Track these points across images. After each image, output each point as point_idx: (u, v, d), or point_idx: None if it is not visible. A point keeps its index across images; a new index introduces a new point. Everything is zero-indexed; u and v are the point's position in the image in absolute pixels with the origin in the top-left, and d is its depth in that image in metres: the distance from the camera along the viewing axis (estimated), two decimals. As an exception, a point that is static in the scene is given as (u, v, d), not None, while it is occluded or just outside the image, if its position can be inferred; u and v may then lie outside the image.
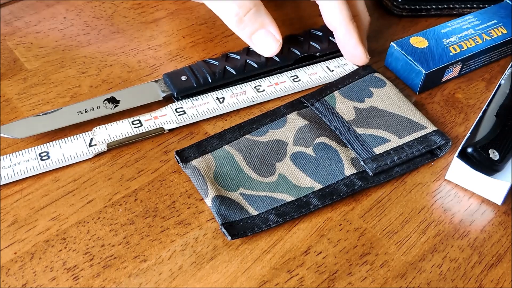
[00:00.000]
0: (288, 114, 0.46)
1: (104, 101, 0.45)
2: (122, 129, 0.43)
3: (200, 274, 0.36)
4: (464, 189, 0.42)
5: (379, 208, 0.41)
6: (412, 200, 0.41)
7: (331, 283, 0.36)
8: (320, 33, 0.51)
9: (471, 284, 0.37)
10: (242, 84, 0.48)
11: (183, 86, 0.46)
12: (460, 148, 0.42)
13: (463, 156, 0.41)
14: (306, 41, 0.50)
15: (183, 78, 0.46)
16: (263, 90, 0.47)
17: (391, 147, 0.42)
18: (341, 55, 0.51)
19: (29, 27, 0.52)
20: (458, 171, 0.41)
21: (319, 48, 0.50)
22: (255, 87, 0.47)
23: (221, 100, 0.46)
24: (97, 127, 0.43)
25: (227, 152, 0.42)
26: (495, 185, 0.40)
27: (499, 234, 0.40)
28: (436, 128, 0.44)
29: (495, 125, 0.44)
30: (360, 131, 0.44)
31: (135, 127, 0.43)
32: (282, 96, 0.48)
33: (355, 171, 0.41)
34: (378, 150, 0.42)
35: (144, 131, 0.43)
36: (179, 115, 0.44)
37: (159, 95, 0.46)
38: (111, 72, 0.49)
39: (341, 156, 0.42)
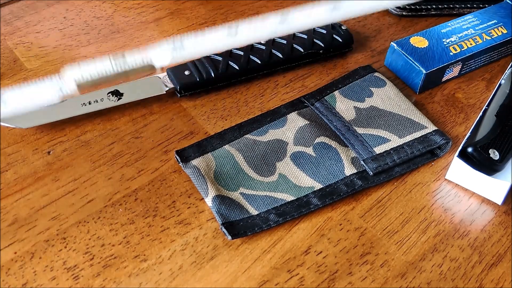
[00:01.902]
0: (288, 114, 0.46)
1: (108, 93, 0.45)
2: (99, 66, 0.34)
3: (200, 273, 0.36)
4: (464, 189, 0.42)
5: (379, 207, 0.41)
6: (412, 200, 0.41)
7: (331, 282, 0.36)
8: (324, 31, 0.51)
9: (471, 284, 0.37)
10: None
11: (187, 81, 0.46)
12: (460, 148, 0.42)
13: (463, 156, 0.41)
14: (309, 38, 0.51)
15: (187, 72, 0.47)
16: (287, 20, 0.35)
17: (391, 147, 0.42)
18: (344, 52, 0.51)
19: (29, 27, 0.52)
20: (458, 171, 0.41)
21: (323, 45, 0.51)
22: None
23: (233, 32, 0.35)
24: (68, 65, 0.35)
25: (227, 152, 0.42)
26: (495, 185, 0.40)
27: (499, 234, 0.40)
28: (436, 128, 0.44)
29: (495, 125, 0.44)
30: (360, 130, 0.44)
31: (116, 64, 0.34)
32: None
33: (355, 171, 0.41)
34: (379, 149, 0.42)
35: (128, 68, 0.34)
36: (175, 50, 0.35)
37: (163, 89, 0.46)
38: (111, 71, 0.49)
39: (341, 155, 0.42)
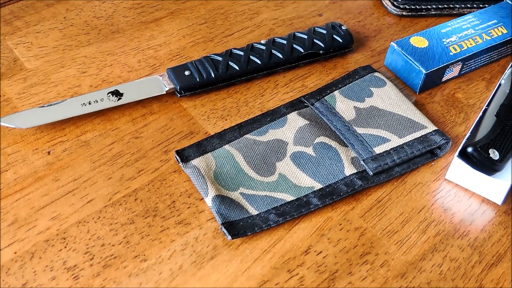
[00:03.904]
0: (288, 113, 0.46)
1: (108, 93, 0.45)
2: None
3: (200, 273, 0.36)
4: (464, 188, 0.42)
5: (379, 207, 0.41)
6: (412, 199, 0.41)
7: (331, 282, 0.36)
8: (324, 31, 0.51)
9: (471, 284, 0.37)
10: None
11: (187, 81, 0.46)
12: (460, 147, 0.42)
13: (463, 155, 0.41)
14: (309, 38, 0.51)
15: (187, 73, 0.47)
16: None
17: (391, 147, 0.42)
18: (345, 52, 0.51)
19: (29, 27, 0.52)
20: (458, 170, 0.41)
21: (323, 45, 0.50)
22: None
23: None
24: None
25: (227, 152, 0.42)
26: (495, 184, 0.40)
27: (499, 234, 0.40)
28: (436, 128, 0.44)
29: (495, 125, 0.44)
30: (360, 130, 0.44)
31: None
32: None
33: (355, 171, 0.41)
34: (378, 149, 0.42)
35: None
36: None
37: (163, 89, 0.46)
38: (111, 71, 0.49)
39: (341, 155, 0.42)
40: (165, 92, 0.46)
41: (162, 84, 0.46)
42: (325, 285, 0.36)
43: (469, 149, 0.41)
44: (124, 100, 0.45)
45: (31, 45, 0.51)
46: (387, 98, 0.46)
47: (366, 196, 0.41)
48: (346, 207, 0.40)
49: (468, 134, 0.43)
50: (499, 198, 0.41)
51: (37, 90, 0.47)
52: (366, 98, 0.47)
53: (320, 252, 0.38)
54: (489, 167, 0.41)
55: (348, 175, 0.41)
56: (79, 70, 0.49)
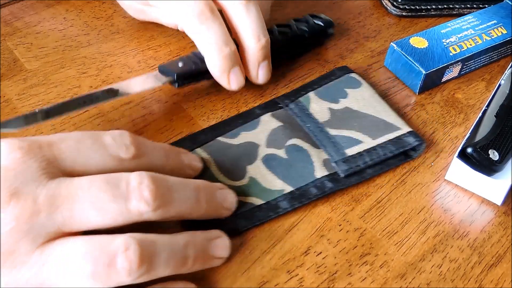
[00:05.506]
0: (262, 115, 0.45)
1: (102, 91, 0.43)
2: None
3: (199, 274, 0.36)
4: (464, 189, 0.42)
5: (379, 208, 0.41)
6: (412, 200, 0.41)
7: (331, 283, 0.36)
8: (303, 19, 0.52)
9: (471, 285, 0.37)
10: None
11: (183, 70, 0.45)
12: (460, 148, 0.42)
13: (463, 156, 0.41)
14: (292, 25, 0.50)
15: (180, 64, 0.45)
16: None
17: (364, 148, 0.42)
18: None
19: (29, 27, 0.52)
20: (458, 171, 0.41)
21: (307, 29, 0.50)
22: None
23: None
24: None
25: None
26: (495, 185, 0.40)
27: (499, 235, 0.40)
28: (410, 129, 0.43)
29: (495, 125, 0.44)
30: (333, 132, 0.43)
31: None
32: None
33: (327, 173, 0.41)
34: (350, 151, 0.42)
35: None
36: None
37: (160, 80, 0.45)
38: (111, 72, 0.49)
39: (312, 158, 0.41)
40: (161, 84, 0.45)
41: (157, 80, 0.45)
42: (325, 286, 0.36)
43: (469, 150, 0.41)
44: (119, 96, 0.43)
45: (31, 45, 0.51)
46: (362, 99, 0.46)
47: (366, 196, 0.41)
48: (345, 208, 0.40)
49: (468, 134, 0.43)
50: (498, 199, 0.41)
51: (37, 91, 0.47)
52: (340, 99, 0.46)
53: (320, 252, 0.38)
54: (489, 168, 0.41)
55: (319, 177, 0.40)
56: (79, 70, 0.49)
